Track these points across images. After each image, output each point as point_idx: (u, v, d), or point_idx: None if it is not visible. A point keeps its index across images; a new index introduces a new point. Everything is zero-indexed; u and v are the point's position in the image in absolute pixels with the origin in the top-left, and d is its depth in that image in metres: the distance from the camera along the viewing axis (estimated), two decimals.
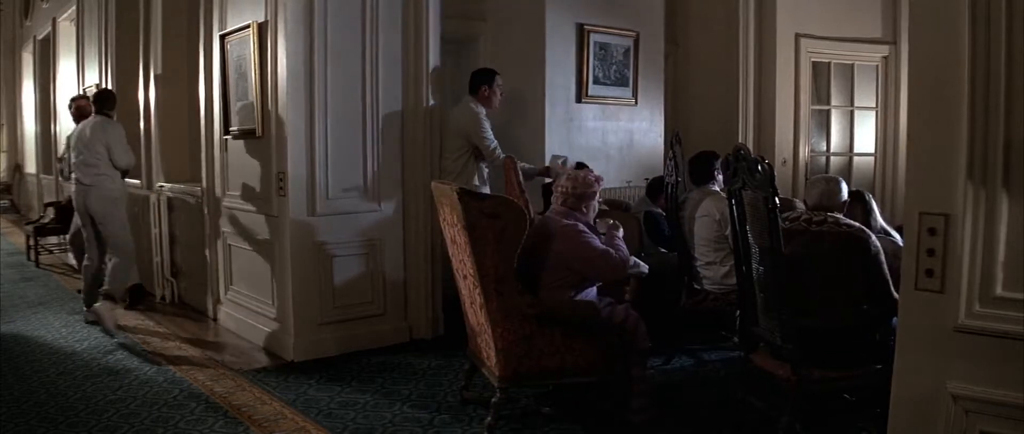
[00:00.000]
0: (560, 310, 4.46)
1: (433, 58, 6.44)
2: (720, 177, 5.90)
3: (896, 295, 3.66)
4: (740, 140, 8.58)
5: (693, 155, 6.21)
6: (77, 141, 7.32)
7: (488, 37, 7.96)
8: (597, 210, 4.88)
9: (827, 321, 4.08)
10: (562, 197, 4.73)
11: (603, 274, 4.60)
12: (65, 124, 12.66)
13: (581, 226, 4.61)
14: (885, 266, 4.11)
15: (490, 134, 6.64)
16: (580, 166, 6.53)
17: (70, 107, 8.21)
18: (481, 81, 6.79)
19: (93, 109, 7.45)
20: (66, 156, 7.82)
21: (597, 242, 4.58)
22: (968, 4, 2.21)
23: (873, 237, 4.25)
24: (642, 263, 5.12)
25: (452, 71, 7.90)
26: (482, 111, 6.71)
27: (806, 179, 8.86)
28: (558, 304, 4.48)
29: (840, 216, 4.33)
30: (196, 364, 5.84)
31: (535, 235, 4.54)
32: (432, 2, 6.41)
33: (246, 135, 6.38)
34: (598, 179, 4.86)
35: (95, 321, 6.98)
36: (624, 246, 4.71)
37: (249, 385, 5.36)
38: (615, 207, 7.14)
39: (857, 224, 4.35)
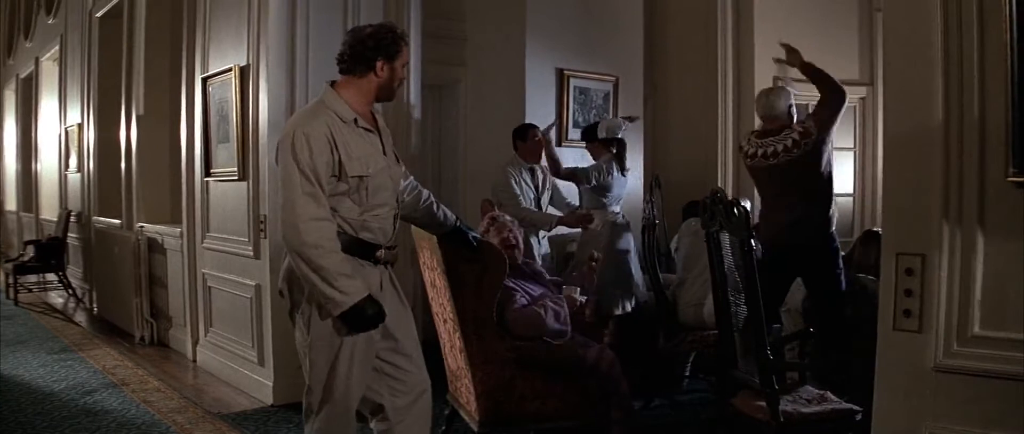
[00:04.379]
0: (540, 354, 4.45)
1: (414, 102, 6.46)
2: None
3: None
4: (719, 182, 8.62)
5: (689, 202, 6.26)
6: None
7: (468, 82, 8.00)
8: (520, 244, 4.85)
9: None
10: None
11: (516, 331, 4.47)
12: (46, 162, 12.66)
13: (509, 283, 4.55)
14: None
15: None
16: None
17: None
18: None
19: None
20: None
21: (518, 297, 4.51)
22: (941, 48, 2.25)
23: None
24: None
25: (433, 116, 7.95)
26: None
27: None
28: (537, 348, 4.46)
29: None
30: (175, 406, 5.78)
31: None
32: (413, 46, 6.43)
33: (227, 177, 6.37)
34: (513, 222, 4.86)
35: None
36: (533, 321, 4.51)
37: (228, 429, 5.31)
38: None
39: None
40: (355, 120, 3.48)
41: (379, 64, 3.49)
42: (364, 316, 3.32)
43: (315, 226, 3.27)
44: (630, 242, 6.46)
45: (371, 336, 3.53)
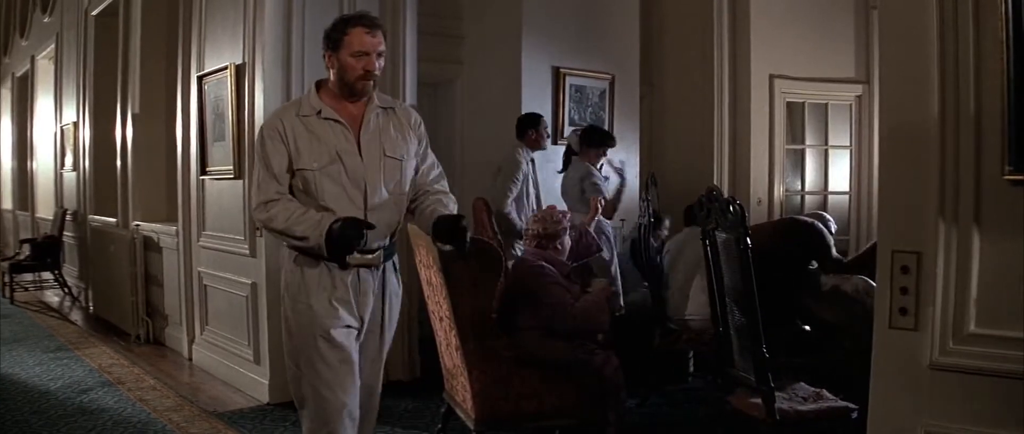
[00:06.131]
0: (537, 353, 4.45)
1: (410, 100, 6.44)
2: None
3: None
4: (715, 180, 8.64)
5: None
6: None
7: (464, 80, 8.01)
8: (569, 246, 4.84)
9: None
10: (535, 239, 4.72)
11: (557, 323, 4.51)
12: (42, 160, 12.64)
13: (548, 269, 4.58)
14: None
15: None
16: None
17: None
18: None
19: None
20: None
21: (559, 291, 4.54)
22: (937, 45, 2.25)
23: None
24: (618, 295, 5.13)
25: (429, 114, 7.94)
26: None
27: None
28: (535, 347, 4.46)
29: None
30: (171, 405, 5.78)
31: (510, 277, 4.54)
32: (409, 45, 6.43)
33: (223, 175, 6.37)
34: (565, 214, 4.86)
35: None
36: (599, 308, 4.62)
37: (224, 427, 5.31)
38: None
39: None
40: (319, 112, 3.42)
41: (326, 57, 3.50)
42: (335, 240, 3.24)
43: (262, 208, 3.43)
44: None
45: (346, 324, 3.50)
